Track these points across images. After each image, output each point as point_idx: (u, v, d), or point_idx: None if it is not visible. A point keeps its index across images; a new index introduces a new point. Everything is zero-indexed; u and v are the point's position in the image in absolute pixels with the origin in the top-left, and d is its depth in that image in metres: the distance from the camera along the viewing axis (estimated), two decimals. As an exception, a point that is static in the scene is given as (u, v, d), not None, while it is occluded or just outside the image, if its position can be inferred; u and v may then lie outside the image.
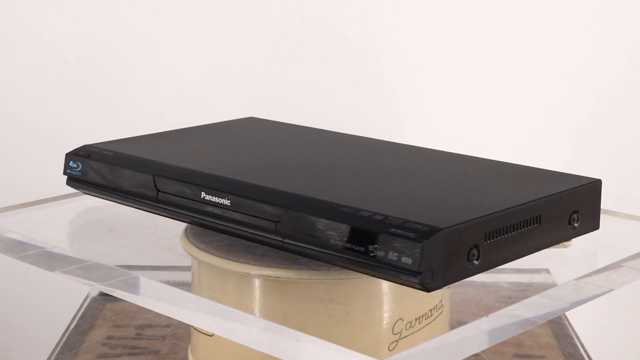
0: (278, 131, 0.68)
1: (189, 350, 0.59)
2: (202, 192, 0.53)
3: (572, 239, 0.54)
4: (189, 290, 0.58)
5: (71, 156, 0.61)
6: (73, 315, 0.74)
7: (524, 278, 0.72)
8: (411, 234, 0.44)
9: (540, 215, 0.50)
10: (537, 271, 0.71)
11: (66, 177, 0.61)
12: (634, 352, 1.12)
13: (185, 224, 0.58)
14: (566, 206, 0.52)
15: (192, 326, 0.57)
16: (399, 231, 0.44)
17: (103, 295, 0.76)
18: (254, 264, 0.52)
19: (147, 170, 0.56)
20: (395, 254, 0.44)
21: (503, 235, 0.48)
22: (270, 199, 0.50)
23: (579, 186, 0.53)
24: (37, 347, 0.92)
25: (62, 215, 0.67)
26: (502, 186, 0.53)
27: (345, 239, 0.46)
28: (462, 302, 0.67)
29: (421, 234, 0.44)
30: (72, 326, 0.72)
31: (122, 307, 0.75)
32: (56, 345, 0.69)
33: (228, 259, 0.53)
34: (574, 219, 0.52)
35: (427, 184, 0.54)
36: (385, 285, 0.52)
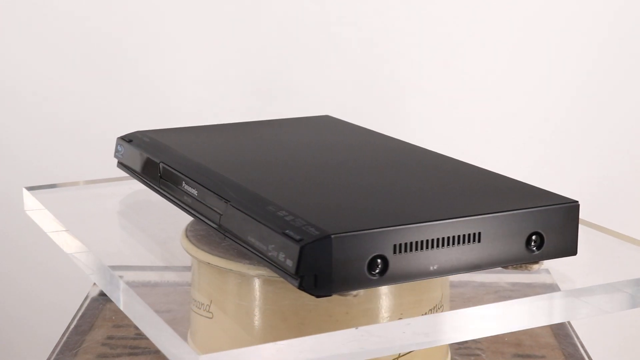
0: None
1: (189, 335, 0.59)
2: (183, 182, 0.56)
3: (540, 262, 0.50)
4: (189, 290, 0.58)
5: (119, 140, 0.65)
6: (73, 315, 0.74)
7: (524, 278, 0.72)
8: (297, 237, 0.44)
9: (479, 233, 0.47)
10: (537, 271, 0.71)
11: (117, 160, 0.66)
12: (634, 352, 1.12)
13: (185, 224, 0.59)
14: (521, 226, 0.48)
15: (192, 309, 0.57)
16: (290, 232, 0.44)
17: (103, 295, 0.76)
18: (253, 264, 0.52)
19: (157, 158, 0.59)
20: (283, 256, 0.44)
21: (422, 249, 0.45)
22: (218, 191, 0.51)
23: (543, 206, 0.49)
24: (42, 344, 0.92)
25: (89, 198, 0.72)
26: (444, 195, 0.51)
27: (256, 237, 0.46)
28: (462, 302, 0.67)
29: (307, 237, 0.43)
30: (72, 326, 0.72)
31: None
32: (56, 345, 0.69)
33: (228, 259, 0.53)
34: (534, 242, 0.48)
35: (368, 186, 0.53)
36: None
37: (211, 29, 1.05)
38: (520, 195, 0.50)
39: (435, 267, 0.46)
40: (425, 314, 0.54)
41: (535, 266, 0.50)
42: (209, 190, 0.53)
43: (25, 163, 1.07)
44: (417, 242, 0.45)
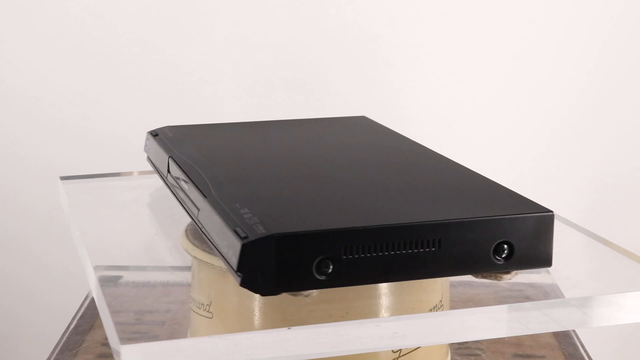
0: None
1: (189, 334, 0.59)
2: (180, 178, 0.56)
3: (513, 272, 0.48)
4: (189, 291, 0.58)
5: (148, 134, 0.66)
6: (73, 315, 0.74)
7: (524, 278, 0.72)
8: (243, 234, 0.44)
9: (439, 239, 0.45)
10: (537, 271, 0.71)
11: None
12: (634, 352, 1.12)
13: (186, 223, 0.59)
14: (487, 235, 0.46)
15: (192, 309, 0.57)
16: (239, 230, 0.44)
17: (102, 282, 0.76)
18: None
19: (167, 152, 0.60)
20: (230, 252, 0.44)
21: (374, 252, 0.44)
22: (201, 187, 0.52)
23: (513, 215, 0.46)
24: (42, 344, 0.92)
25: (105, 191, 0.73)
26: (413, 198, 0.50)
27: (216, 233, 0.47)
28: (462, 302, 0.67)
29: (252, 235, 0.43)
30: (72, 326, 0.72)
31: (121, 292, 0.74)
32: (56, 345, 0.69)
33: (228, 259, 0.53)
34: (503, 251, 0.46)
35: (343, 187, 0.52)
36: (385, 285, 0.52)
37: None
38: (492, 202, 0.49)
39: (388, 271, 0.45)
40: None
41: (507, 276, 0.48)
42: (195, 186, 0.52)
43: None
44: (368, 245, 0.44)
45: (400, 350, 0.53)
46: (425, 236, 0.45)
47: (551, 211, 0.47)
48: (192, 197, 0.53)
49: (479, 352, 0.67)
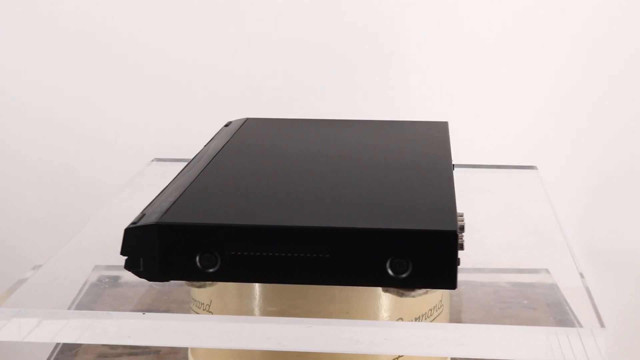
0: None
1: (189, 350, 0.59)
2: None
3: (418, 291, 0.46)
4: (189, 291, 0.58)
5: (224, 126, 0.68)
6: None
7: (524, 278, 0.72)
8: (135, 220, 0.46)
9: (329, 247, 0.44)
10: (537, 271, 0.71)
11: None
12: (634, 352, 1.12)
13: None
14: (381, 247, 0.44)
15: (192, 309, 0.57)
16: (140, 215, 0.47)
17: (101, 281, 0.76)
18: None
19: (208, 146, 0.61)
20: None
21: (261, 252, 0.44)
22: (180, 174, 0.55)
23: (409, 229, 0.44)
24: (42, 344, 0.92)
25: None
26: (326, 203, 0.49)
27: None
28: (462, 302, 0.67)
29: (140, 221, 0.46)
30: (72, 326, 0.72)
31: (121, 292, 0.75)
32: (56, 345, 0.69)
33: (227, 259, 0.53)
34: (397, 266, 0.44)
35: (279, 185, 0.54)
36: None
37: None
38: (400, 213, 0.47)
39: (278, 272, 0.45)
40: (425, 313, 0.54)
41: (412, 292, 0.47)
42: (178, 178, 0.55)
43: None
44: (252, 244, 0.45)
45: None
46: (313, 241, 0.44)
47: (454, 230, 0.44)
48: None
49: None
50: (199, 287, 0.49)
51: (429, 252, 0.43)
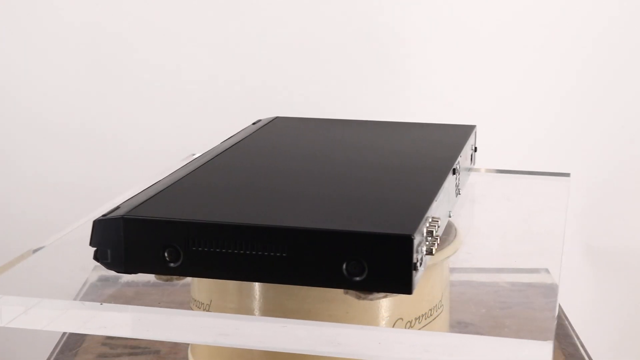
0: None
1: (189, 350, 0.59)
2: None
3: (375, 294, 0.46)
4: (189, 291, 0.58)
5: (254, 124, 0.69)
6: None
7: (524, 278, 0.72)
8: (106, 212, 0.47)
9: (286, 246, 0.44)
10: (537, 271, 0.71)
11: None
12: (634, 352, 1.12)
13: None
14: (335, 250, 0.44)
15: (192, 309, 0.57)
16: (114, 207, 0.48)
17: (102, 281, 0.76)
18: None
19: (228, 143, 0.62)
20: None
21: (220, 249, 0.45)
22: (181, 168, 0.56)
23: (364, 231, 0.44)
24: (42, 344, 0.92)
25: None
26: (293, 203, 0.49)
27: None
28: (462, 302, 0.67)
29: (109, 214, 0.47)
30: (72, 326, 0.72)
31: (121, 292, 0.74)
32: (56, 345, 0.69)
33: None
34: (353, 268, 0.44)
35: (263, 183, 0.54)
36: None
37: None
38: (360, 216, 0.47)
39: (240, 270, 0.45)
40: (426, 313, 0.54)
41: (369, 295, 0.47)
42: (175, 172, 0.55)
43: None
44: (211, 241, 0.45)
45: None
46: (270, 240, 0.44)
47: (409, 235, 0.43)
48: None
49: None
50: (166, 280, 0.50)
51: (384, 256, 0.43)
